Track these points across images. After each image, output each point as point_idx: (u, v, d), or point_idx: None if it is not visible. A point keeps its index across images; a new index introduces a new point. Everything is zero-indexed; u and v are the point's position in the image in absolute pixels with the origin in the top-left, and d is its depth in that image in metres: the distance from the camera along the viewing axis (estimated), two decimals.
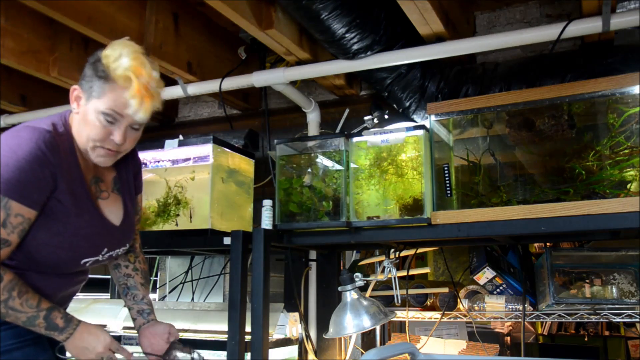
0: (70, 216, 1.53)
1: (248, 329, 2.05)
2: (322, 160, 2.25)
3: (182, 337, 2.36)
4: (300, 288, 2.60)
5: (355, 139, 2.19)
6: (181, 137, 2.43)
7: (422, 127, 2.10)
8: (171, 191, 2.36)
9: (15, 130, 1.49)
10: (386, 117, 2.61)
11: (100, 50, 1.54)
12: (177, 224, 2.35)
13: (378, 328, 2.86)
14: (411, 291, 2.60)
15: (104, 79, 1.49)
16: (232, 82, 2.63)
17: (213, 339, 2.29)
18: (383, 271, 2.26)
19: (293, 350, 2.50)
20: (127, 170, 1.77)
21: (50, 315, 1.50)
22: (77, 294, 1.79)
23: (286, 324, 2.46)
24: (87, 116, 1.52)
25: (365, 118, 2.63)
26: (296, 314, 2.50)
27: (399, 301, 2.25)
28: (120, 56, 1.50)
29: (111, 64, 1.49)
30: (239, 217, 2.48)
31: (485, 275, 2.45)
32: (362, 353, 2.65)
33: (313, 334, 2.60)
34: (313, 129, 2.81)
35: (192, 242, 2.32)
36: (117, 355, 1.63)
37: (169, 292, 3.21)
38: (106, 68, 1.49)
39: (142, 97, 1.49)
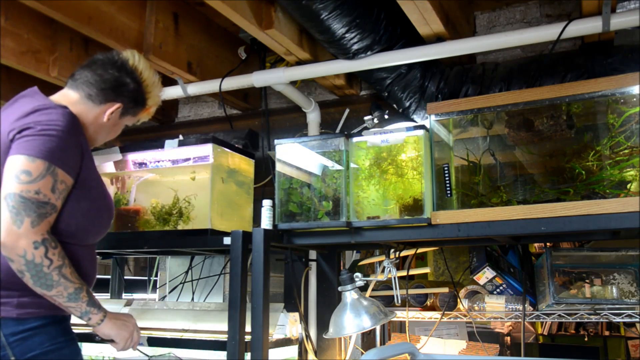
0: (98, 180, 1.68)
1: (248, 329, 2.05)
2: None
3: (182, 337, 2.36)
4: (300, 288, 2.60)
5: (355, 139, 2.19)
6: (181, 137, 2.43)
7: (422, 127, 2.10)
8: (178, 202, 2.36)
9: (41, 108, 1.56)
10: (386, 117, 2.61)
11: (122, 55, 1.76)
12: (177, 224, 2.36)
13: (378, 328, 2.86)
14: (411, 291, 2.60)
15: (142, 105, 1.80)
16: (232, 82, 2.63)
17: (213, 339, 2.29)
18: (383, 271, 2.26)
19: (293, 350, 2.50)
20: None
21: (90, 291, 1.58)
22: None
23: (286, 324, 2.46)
24: (116, 126, 1.79)
25: (365, 118, 2.63)
26: (296, 314, 2.50)
27: (399, 301, 2.25)
28: (155, 85, 1.80)
29: (151, 94, 1.80)
30: (239, 217, 2.48)
31: (485, 275, 2.45)
32: (362, 353, 2.65)
33: (313, 334, 2.60)
34: (313, 129, 2.81)
35: (192, 242, 2.32)
36: None
37: (169, 292, 3.21)
38: (146, 96, 1.78)
39: None
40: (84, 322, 1.62)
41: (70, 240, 1.57)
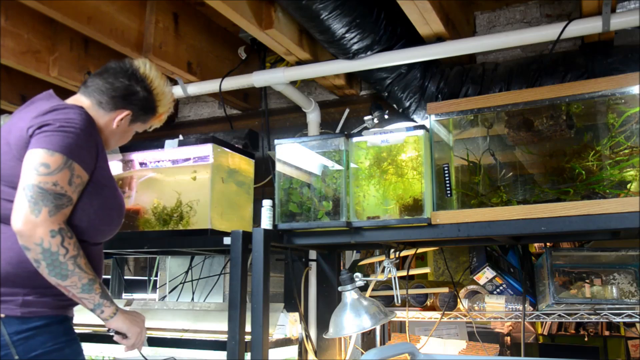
0: (111, 180, 1.71)
1: (248, 329, 2.05)
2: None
3: (182, 337, 2.36)
4: (300, 288, 2.60)
5: (355, 139, 2.19)
6: (181, 137, 2.43)
7: (422, 127, 2.10)
8: (180, 206, 2.36)
9: (59, 107, 1.60)
10: (386, 117, 2.61)
11: (134, 63, 1.76)
12: (177, 225, 2.36)
13: (378, 328, 2.85)
14: (411, 291, 2.60)
15: (152, 113, 1.81)
16: (232, 82, 2.63)
17: (213, 339, 2.29)
18: (383, 271, 2.26)
19: (293, 350, 2.50)
20: None
21: (102, 284, 1.61)
22: None
23: (286, 324, 2.46)
24: (126, 132, 1.81)
25: (365, 118, 2.63)
26: (296, 314, 2.50)
27: (399, 301, 2.25)
28: (165, 94, 1.81)
29: (162, 102, 1.81)
30: (239, 217, 2.48)
31: (485, 275, 2.45)
32: (362, 353, 2.64)
33: (313, 334, 2.60)
34: (313, 129, 2.81)
35: (192, 242, 2.32)
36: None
37: (169, 292, 3.21)
38: (156, 104, 1.79)
39: None
40: (85, 323, 1.63)
41: (81, 237, 1.60)
